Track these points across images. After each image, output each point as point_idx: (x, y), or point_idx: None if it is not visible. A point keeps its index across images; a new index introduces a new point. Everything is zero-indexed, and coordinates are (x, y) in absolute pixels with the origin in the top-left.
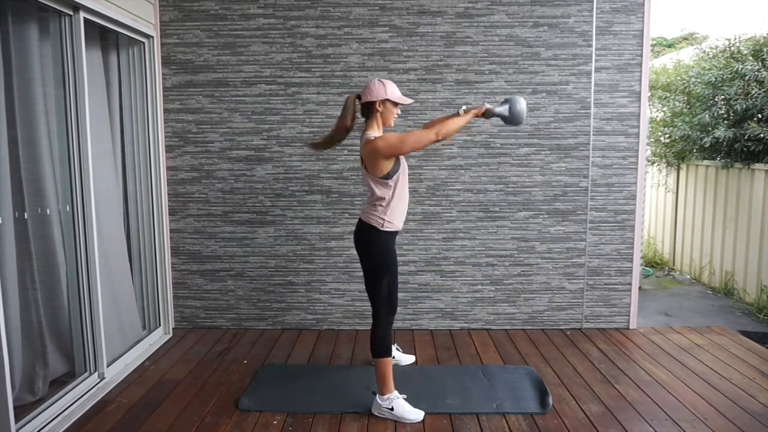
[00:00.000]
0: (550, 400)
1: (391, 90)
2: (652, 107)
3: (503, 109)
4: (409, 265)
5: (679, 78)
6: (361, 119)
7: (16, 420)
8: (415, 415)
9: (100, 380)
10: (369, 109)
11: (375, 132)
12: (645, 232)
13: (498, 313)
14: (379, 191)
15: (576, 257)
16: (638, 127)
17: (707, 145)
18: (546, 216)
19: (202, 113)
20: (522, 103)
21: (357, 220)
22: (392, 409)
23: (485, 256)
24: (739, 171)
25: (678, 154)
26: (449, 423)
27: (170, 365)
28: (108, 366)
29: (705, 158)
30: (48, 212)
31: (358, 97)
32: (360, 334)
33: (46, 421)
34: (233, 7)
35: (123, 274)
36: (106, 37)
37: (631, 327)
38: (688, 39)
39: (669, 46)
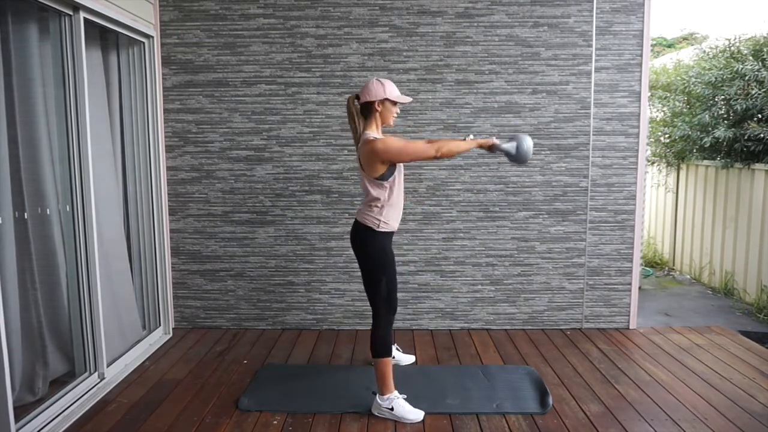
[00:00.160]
0: (550, 400)
1: (390, 89)
2: (652, 107)
3: (510, 147)
4: (409, 265)
5: (679, 78)
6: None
7: (16, 420)
8: (415, 415)
9: (100, 380)
10: (368, 109)
11: (374, 132)
12: (645, 232)
13: (498, 313)
14: (374, 192)
15: (576, 257)
16: (638, 127)
17: (707, 145)
18: (546, 216)
19: (202, 113)
20: (529, 143)
21: (353, 221)
22: (392, 409)
23: (485, 256)
24: (739, 171)
25: (678, 154)
26: (449, 423)
27: (170, 365)
28: (108, 366)
29: (705, 158)
30: (48, 212)
31: (357, 97)
32: (360, 334)
33: (46, 421)
34: (233, 7)
35: (123, 274)
36: (106, 37)
37: (631, 327)
38: (688, 39)
39: (669, 46)
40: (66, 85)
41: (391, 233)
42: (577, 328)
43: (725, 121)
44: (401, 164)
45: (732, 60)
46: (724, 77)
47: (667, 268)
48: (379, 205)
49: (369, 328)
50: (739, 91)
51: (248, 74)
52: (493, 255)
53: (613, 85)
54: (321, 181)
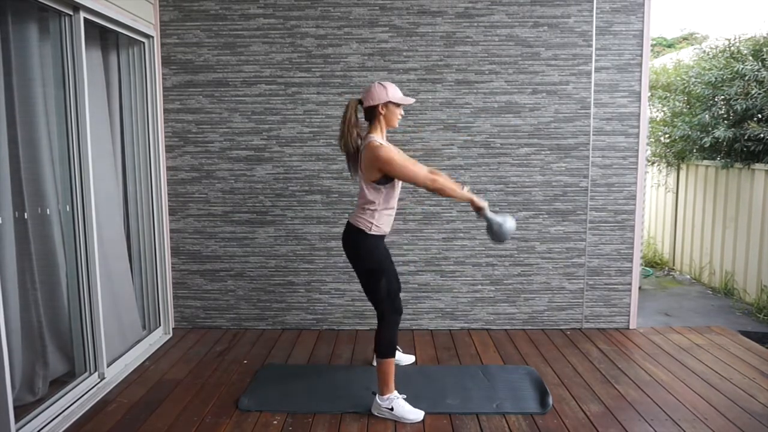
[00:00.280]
0: (550, 400)
1: (393, 92)
2: (652, 107)
3: (495, 221)
4: (409, 265)
5: (679, 78)
6: (364, 122)
7: (16, 420)
8: (415, 415)
9: (100, 380)
10: (372, 113)
11: (378, 136)
12: (645, 232)
13: (498, 313)
14: (370, 195)
15: (576, 257)
16: (638, 127)
17: (707, 145)
18: (546, 216)
19: (202, 113)
20: (512, 224)
21: (346, 223)
22: (392, 409)
23: (485, 256)
24: (739, 171)
25: (678, 154)
26: (449, 423)
27: (170, 365)
28: (108, 366)
29: (705, 158)
30: (48, 212)
31: (360, 101)
32: (360, 334)
33: (46, 421)
34: (233, 7)
35: (123, 274)
36: (106, 37)
37: (631, 327)
38: (688, 39)
39: (669, 46)
40: (66, 85)
41: (382, 236)
42: (577, 328)
43: (725, 121)
44: (404, 158)
45: (732, 60)
46: (724, 77)
47: (667, 268)
48: (373, 208)
49: (369, 328)
50: (739, 91)
51: (248, 74)
52: (493, 255)
53: (613, 85)
54: (321, 181)
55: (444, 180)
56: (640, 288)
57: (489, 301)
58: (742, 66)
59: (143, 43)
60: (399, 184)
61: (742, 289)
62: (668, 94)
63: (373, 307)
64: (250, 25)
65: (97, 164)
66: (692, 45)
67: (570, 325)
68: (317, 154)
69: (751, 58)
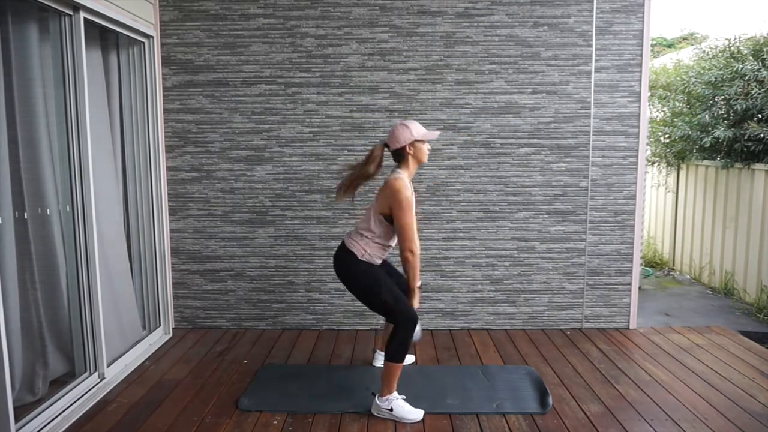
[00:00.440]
0: (550, 400)
1: (416, 129)
2: (652, 107)
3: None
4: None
5: (679, 78)
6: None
7: (16, 420)
8: (415, 415)
9: (100, 380)
10: (400, 155)
11: (406, 174)
12: (645, 232)
13: (498, 313)
14: (373, 224)
15: (576, 257)
16: (638, 127)
17: (707, 145)
18: (546, 216)
19: (202, 113)
20: (416, 338)
21: (339, 244)
22: (391, 409)
23: (485, 256)
24: (739, 171)
25: (678, 154)
26: (449, 423)
27: (170, 365)
28: (108, 366)
29: (705, 158)
30: (48, 212)
31: (386, 145)
32: (360, 334)
33: (46, 421)
34: (233, 7)
35: (123, 274)
36: (106, 37)
37: (631, 327)
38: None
39: (669, 46)
40: (66, 85)
41: (372, 264)
42: (577, 328)
43: (725, 121)
44: (413, 212)
45: (732, 60)
46: (724, 77)
47: (667, 268)
48: (370, 237)
49: (369, 328)
50: (739, 91)
51: (248, 74)
52: (493, 255)
53: (613, 85)
54: (321, 181)
55: (417, 262)
56: (640, 288)
57: (489, 301)
58: (742, 66)
59: (143, 43)
60: None
61: (742, 289)
62: (668, 94)
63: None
64: (250, 25)
65: (97, 164)
66: (692, 45)
67: (570, 325)
68: (317, 154)
69: (751, 58)
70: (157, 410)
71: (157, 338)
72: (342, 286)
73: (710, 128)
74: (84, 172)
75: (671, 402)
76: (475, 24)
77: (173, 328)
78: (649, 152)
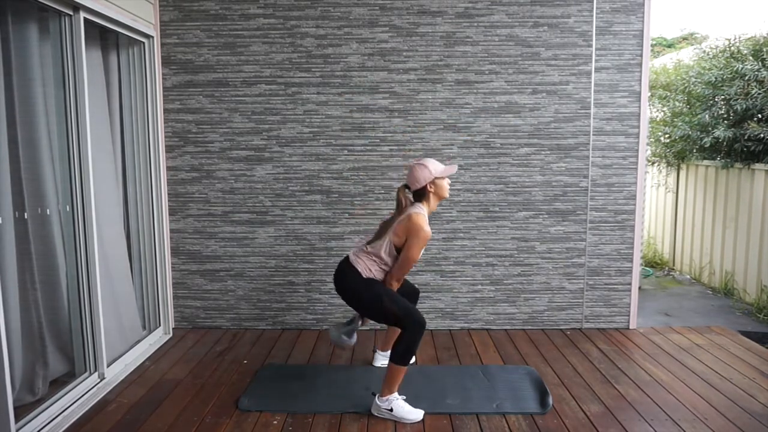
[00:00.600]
0: (550, 400)
1: (435, 167)
2: (652, 107)
3: (353, 333)
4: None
5: (679, 78)
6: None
7: (16, 420)
8: (415, 415)
9: (100, 380)
10: (421, 194)
11: (426, 209)
12: (645, 232)
13: (498, 313)
14: (384, 252)
15: (576, 257)
16: (638, 127)
17: (707, 145)
18: (546, 216)
19: (202, 113)
20: (348, 344)
21: (344, 258)
22: (391, 410)
23: (485, 256)
24: (739, 171)
25: (678, 154)
26: (449, 423)
27: (170, 365)
28: (108, 366)
29: (705, 158)
30: (48, 212)
31: (407, 186)
32: (360, 334)
33: (46, 421)
34: (233, 7)
35: (123, 274)
36: (106, 37)
37: (631, 327)
38: (688, 39)
39: (669, 46)
40: (66, 85)
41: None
42: (577, 328)
43: (725, 121)
44: (421, 253)
45: (732, 60)
46: (724, 77)
47: (667, 268)
48: (379, 262)
49: (369, 328)
50: (739, 91)
51: (248, 74)
52: (493, 255)
53: (613, 85)
54: (321, 181)
55: (396, 285)
56: (640, 288)
57: (489, 301)
58: (742, 66)
59: (143, 43)
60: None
61: (742, 289)
62: (668, 94)
63: None
64: (250, 25)
65: (97, 164)
66: (692, 45)
67: (570, 325)
68: (317, 154)
69: (751, 58)
70: (157, 410)
71: (157, 338)
72: None
73: (710, 128)
74: (84, 172)
75: (671, 402)
76: (475, 24)
77: (173, 328)
78: (649, 152)
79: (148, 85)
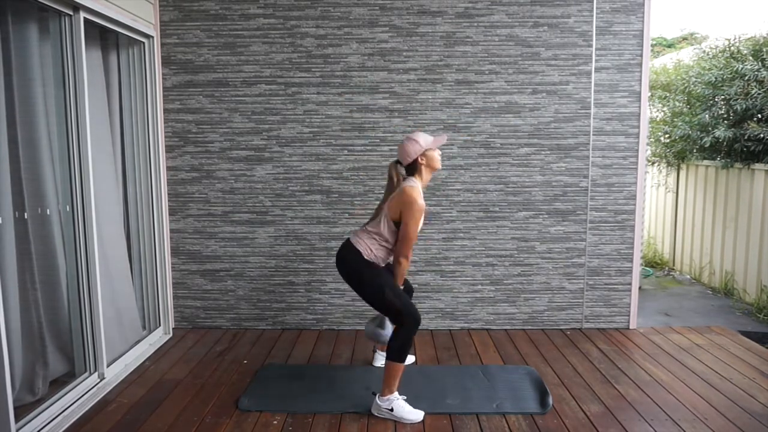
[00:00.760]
0: (550, 400)
1: (425, 140)
2: (652, 107)
3: (384, 321)
4: (410, 265)
5: (679, 78)
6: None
7: (16, 420)
8: (415, 415)
9: (100, 380)
10: (413, 167)
11: (419, 182)
12: (645, 232)
13: (498, 313)
14: (383, 227)
15: (576, 257)
16: (638, 127)
17: (707, 145)
18: (546, 216)
19: (202, 113)
20: (382, 338)
21: (345, 241)
22: (392, 409)
23: (485, 256)
24: (739, 171)
25: (678, 154)
26: (449, 423)
27: (170, 365)
28: (108, 366)
29: (705, 158)
30: (48, 212)
31: (398, 162)
32: (360, 334)
33: (46, 421)
34: (233, 7)
35: (123, 274)
36: (106, 37)
37: (631, 327)
38: (688, 39)
39: (669, 46)
40: (66, 85)
41: (376, 264)
42: (577, 328)
43: (725, 121)
44: (421, 223)
45: (732, 60)
46: (724, 77)
47: (667, 268)
48: (379, 240)
49: None
50: (739, 91)
51: (248, 74)
52: (493, 255)
53: (613, 85)
54: (321, 181)
55: (407, 267)
56: (640, 288)
57: (489, 301)
58: (742, 66)
59: (143, 43)
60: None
61: (742, 289)
62: (668, 94)
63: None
64: (250, 25)
65: (97, 164)
66: (692, 45)
67: (570, 325)
68: (317, 154)
69: (751, 58)
70: (157, 410)
71: (157, 338)
72: (342, 286)
73: (710, 128)
74: (84, 172)
75: (671, 402)
76: (475, 24)
77: (173, 328)
78: (649, 152)
79: (148, 85)
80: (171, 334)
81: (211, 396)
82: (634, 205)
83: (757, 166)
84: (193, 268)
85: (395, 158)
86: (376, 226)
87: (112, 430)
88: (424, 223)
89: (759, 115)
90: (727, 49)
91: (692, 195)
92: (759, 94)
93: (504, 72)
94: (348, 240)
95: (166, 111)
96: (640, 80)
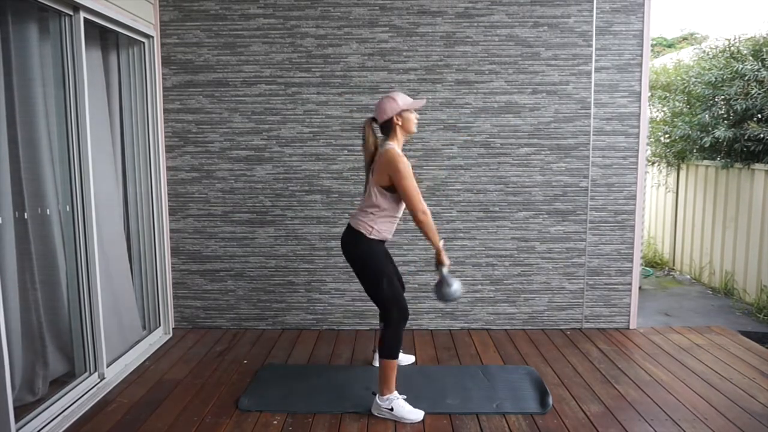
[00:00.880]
0: (550, 400)
1: (402, 100)
2: (652, 107)
3: (448, 279)
4: (409, 265)
5: (679, 78)
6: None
7: (16, 420)
8: (415, 415)
9: (100, 380)
10: (389, 127)
11: (396, 144)
12: (645, 232)
13: (498, 313)
14: (376, 198)
15: (576, 257)
16: (638, 127)
17: (707, 145)
18: (546, 216)
19: (202, 113)
20: (459, 291)
21: (345, 225)
22: (392, 409)
23: (485, 256)
24: (739, 171)
25: (678, 154)
26: (449, 423)
27: (170, 365)
28: (108, 366)
29: (705, 158)
30: (48, 212)
31: (374, 119)
32: (360, 334)
33: (46, 421)
34: (233, 7)
35: (123, 274)
36: (106, 37)
37: (631, 327)
38: (688, 39)
39: (669, 46)
40: (66, 85)
41: (382, 241)
42: (577, 328)
43: (725, 121)
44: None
45: (732, 60)
46: (724, 77)
47: (667, 268)
48: (376, 212)
49: (369, 328)
50: (739, 91)
51: (248, 74)
52: (493, 255)
53: (613, 85)
54: (321, 181)
55: (431, 222)
56: (640, 288)
57: (489, 301)
58: (742, 66)
59: (143, 43)
60: None
61: (742, 289)
62: (668, 94)
63: (375, 307)
64: (250, 25)
65: (97, 164)
66: (692, 45)
67: (570, 325)
68: (317, 154)
69: (751, 58)
70: (157, 410)
71: (157, 338)
72: (342, 286)
73: (710, 128)
74: (84, 172)
75: (671, 402)
76: (475, 24)
77: (173, 328)
78: (649, 152)
79: (148, 85)
80: (171, 334)
81: (211, 396)
82: (634, 205)
83: (757, 166)
84: (193, 268)
85: (371, 115)
86: (368, 201)
87: (112, 430)
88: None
89: (759, 115)
90: (727, 49)
91: (692, 195)
92: (759, 94)
93: (504, 72)
94: (348, 224)
95: (166, 111)
96: (640, 80)
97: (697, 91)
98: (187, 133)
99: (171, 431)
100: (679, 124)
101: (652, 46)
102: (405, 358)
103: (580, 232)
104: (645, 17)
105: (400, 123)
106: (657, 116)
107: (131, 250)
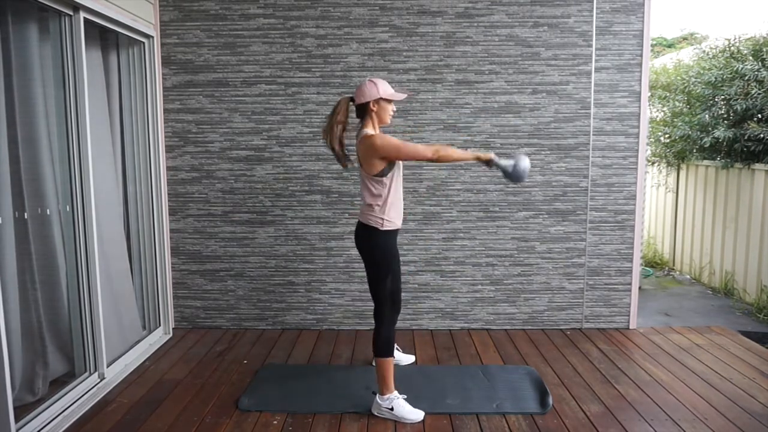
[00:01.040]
0: (550, 400)
1: (384, 88)
2: (652, 107)
3: (508, 164)
4: (409, 265)
5: (679, 78)
6: (356, 120)
7: (16, 420)
8: (415, 415)
9: (100, 380)
10: (364, 110)
11: (371, 130)
12: (645, 232)
13: (498, 313)
14: (375, 190)
15: (576, 257)
16: (638, 127)
17: (707, 145)
18: (546, 216)
19: (202, 113)
20: (526, 163)
21: (356, 222)
22: (392, 409)
23: (485, 256)
24: (739, 171)
25: (678, 154)
26: (449, 423)
27: (170, 365)
28: (108, 366)
29: (705, 158)
30: (48, 212)
31: (352, 99)
32: (360, 334)
33: (46, 421)
34: (233, 7)
35: (123, 274)
36: (106, 37)
37: (631, 327)
38: (688, 39)
39: (669, 46)
40: (66, 85)
41: (395, 231)
42: (577, 328)
43: (725, 121)
44: (400, 161)
45: (732, 60)
46: (724, 77)
47: (667, 268)
48: (380, 203)
49: (369, 328)
50: (739, 91)
51: (248, 74)
52: (493, 255)
53: (613, 85)
54: (321, 181)
55: (443, 148)
56: (640, 288)
57: (489, 301)
58: (742, 66)
59: (143, 43)
60: (401, 172)
61: (742, 289)
62: (668, 94)
63: (372, 306)
64: (250, 25)
65: (97, 164)
66: (692, 45)
67: (570, 325)
68: (317, 154)
69: (751, 58)
70: (157, 410)
71: (157, 338)
72: (342, 286)
73: (710, 128)
74: (84, 172)
75: (671, 402)
76: (475, 24)
77: (173, 328)
78: (649, 152)
79: (148, 85)
80: (171, 334)
81: (211, 396)
82: (634, 205)
83: (757, 166)
84: (193, 268)
85: (350, 95)
86: (369, 196)
87: (112, 430)
88: (424, 223)
89: (759, 115)
90: (727, 49)
91: (692, 195)
92: (759, 94)
93: (504, 72)
94: (359, 222)
95: (166, 111)
96: (640, 80)
97: (697, 91)
98: (187, 133)
99: (171, 431)
100: (679, 124)
101: (652, 46)
102: (405, 358)
103: (580, 232)
104: (645, 17)
105: (375, 110)
106: (657, 116)
107: (131, 250)
